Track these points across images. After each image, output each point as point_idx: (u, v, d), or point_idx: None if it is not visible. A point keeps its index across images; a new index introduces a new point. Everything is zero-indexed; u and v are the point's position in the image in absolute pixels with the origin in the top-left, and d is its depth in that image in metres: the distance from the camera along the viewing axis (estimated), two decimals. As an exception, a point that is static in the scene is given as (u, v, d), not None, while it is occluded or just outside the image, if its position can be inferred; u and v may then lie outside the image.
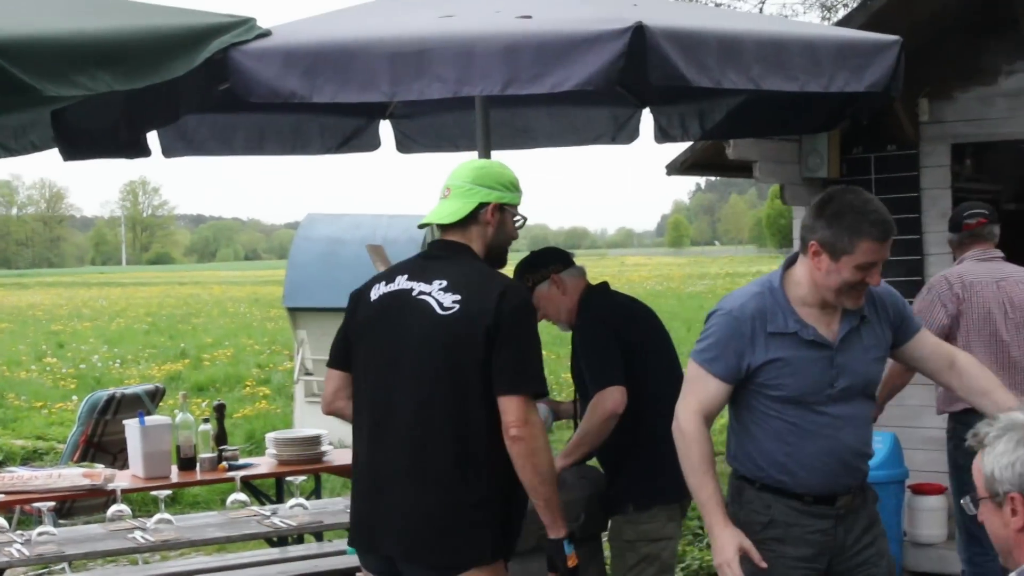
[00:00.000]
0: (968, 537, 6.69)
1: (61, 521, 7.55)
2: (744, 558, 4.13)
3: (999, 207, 10.00)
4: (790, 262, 4.38)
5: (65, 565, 7.52)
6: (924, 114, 8.25)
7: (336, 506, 6.39)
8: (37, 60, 4.01)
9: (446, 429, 4.15)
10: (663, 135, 7.16)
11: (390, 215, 15.19)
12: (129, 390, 8.68)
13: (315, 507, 6.31)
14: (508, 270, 4.79)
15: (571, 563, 4.27)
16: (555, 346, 17.40)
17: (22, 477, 6.46)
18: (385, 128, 7.44)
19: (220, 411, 7.15)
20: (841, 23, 8.46)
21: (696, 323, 29.84)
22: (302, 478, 6.45)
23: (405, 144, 7.55)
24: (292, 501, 6.20)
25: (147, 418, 6.74)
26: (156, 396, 8.75)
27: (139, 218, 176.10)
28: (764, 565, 4.14)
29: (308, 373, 14.25)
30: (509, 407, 4.09)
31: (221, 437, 6.96)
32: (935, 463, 7.06)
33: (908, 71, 5.39)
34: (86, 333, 32.21)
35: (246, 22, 4.73)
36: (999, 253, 6.70)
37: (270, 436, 7.20)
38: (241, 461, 6.95)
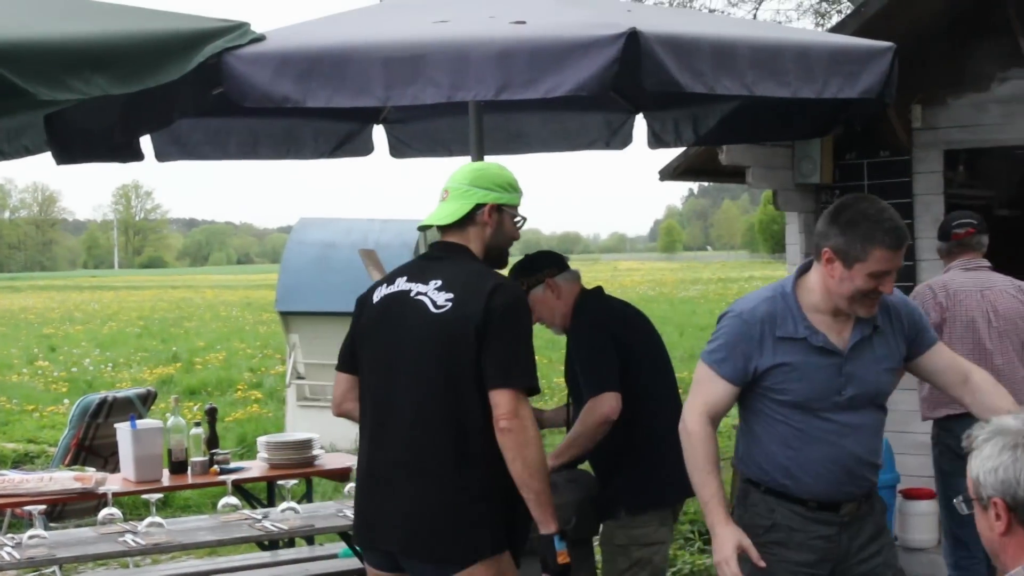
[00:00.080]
0: (954, 541, 6.72)
1: (52, 524, 7.55)
2: (745, 559, 4.14)
3: (992, 213, 10.04)
4: (804, 268, 4.38)
5: (56, 568, 7.50)
6: (917, 120, 8.26)
7: (327, 510, 6.38)
8: (31, 64, 4.01)
9: (443, 426, 4.21)
10: (656, 140, 7.17)
11: (383, 220, 15.19)
12: (121, 393, 8.67)
13: (306, 511, 6.30)
14: (505, 272, 4.80)
15: (561, 560, 4.27)
16: (547, 350, 17.42)
17: (13, 480, 6.45)
18: (378, 133, 7.45)
19: (212, 415, 7.14)
20: (835, 29, 8.48)
21: (688, 328, 29.89)
22: (293, 482, 6.43)
23: (398, 149, 7.55)
24: (283, 505, 6.18)
25: (138, 422, 6.72)
26: (148, 400, 8.73)
27: (131, 222, 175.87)
28: (763, 564, 4.15)
29: (300, 377, 14.23)
30: (499, 400, 4.13)
31: (213, 441, 6.95)
32: (926, 468, 7.07)
33: (901, 77, 5.40)
34: (78, 336, 32.16)
35: (240, 27, 4.73)
36: (986, 263, 6.74)
37: (261, 440, 7.19)
38: (232, 465, 6.93)
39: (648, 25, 4.61)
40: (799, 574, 4.35)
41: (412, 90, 4.61)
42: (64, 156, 5.38)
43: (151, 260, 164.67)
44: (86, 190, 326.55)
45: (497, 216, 4.45)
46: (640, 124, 7.25)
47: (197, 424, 6.83)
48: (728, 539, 4.16)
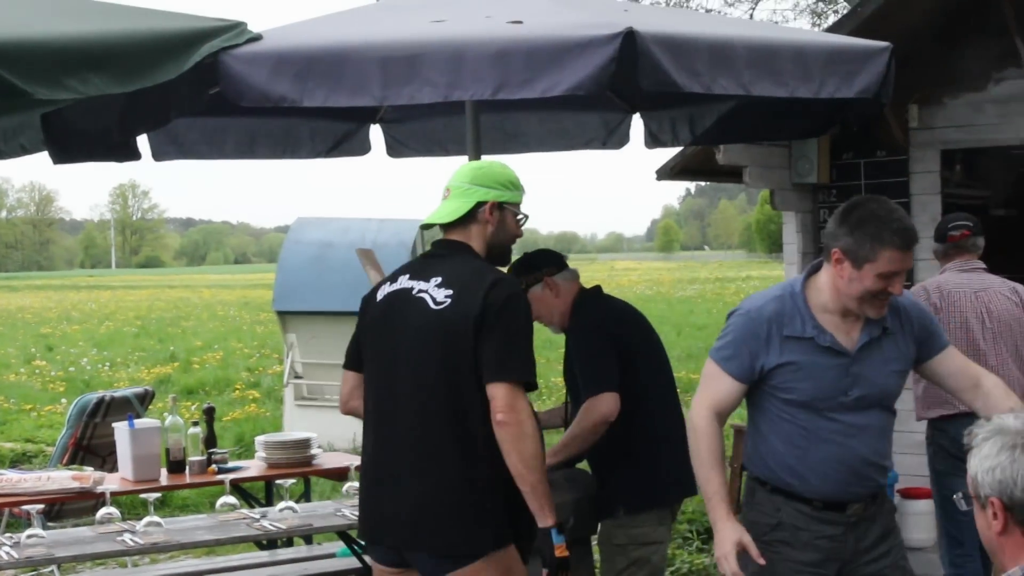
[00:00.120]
0: (949, 540, 6.73)
1: (50, 524, 7.55)
2: (750, 558, 4.17)
3: (988, 213, 10.05)
4: (814, 269, 4.40)
5: (54, 568, 7.50)
6: (914, 120, 8.27)
7: (325, 509, 6.39)
8: (28, 63, 4.01)
9: (445, 421, 4.25)
10: (653, 140, 7.18)
11: (380, 219, 15.20)
12: (118, 393, 8.67)
13: (304, 510, 6.30)
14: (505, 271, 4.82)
15: (559, 553, 4.27)
16: (544, 350, 17.41)
17: (11, 480, 6.45)
18: (375, 132, 7.45)
19: (210, 414, 7.14)
20: (831, 29, 8.49)
21: (686, 327, 29.90)
22: (291, 481, 6.44)
23: (395, 148, 7.55)
24: (281, 504, 6.19)
25: (136, 421, 6.72)
26: (145, 399, 8.74)
27: (129, 221, 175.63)
28: (762, 562, 4.18)
29: (298, 376, 14.23)
30: (496, 393, 4.16)
31: (211, 440, 6.95)
32: (924, 467, 7.08)
33: (898, 77, 5.40)
34: (75, 336, 32.16)
35: (237, 26, 4.73)
36: (981, 264, 6.76)
37: (259, 439, 7.19)
38: (230, 464, 6.94)
39: (645, 25, 4.62)
40: (804, 573, 4.36)
41: (409, 89, 4.61)
42: (61, 155, 5.39)
43: (148, 260, 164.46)
44: (83, 190, 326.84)
45: (499, 214, 4.48)
46: (637, 124, 7.25)
47: (195, 423, 6.84)
48: (728, 535, 4.19)
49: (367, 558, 6.36)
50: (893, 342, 4.37)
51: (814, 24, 19.74)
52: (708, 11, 17.79)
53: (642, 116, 7.18)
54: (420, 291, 4.36)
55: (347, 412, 4.79)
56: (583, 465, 5.47)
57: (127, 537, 5.70)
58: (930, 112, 8.22)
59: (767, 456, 4.41)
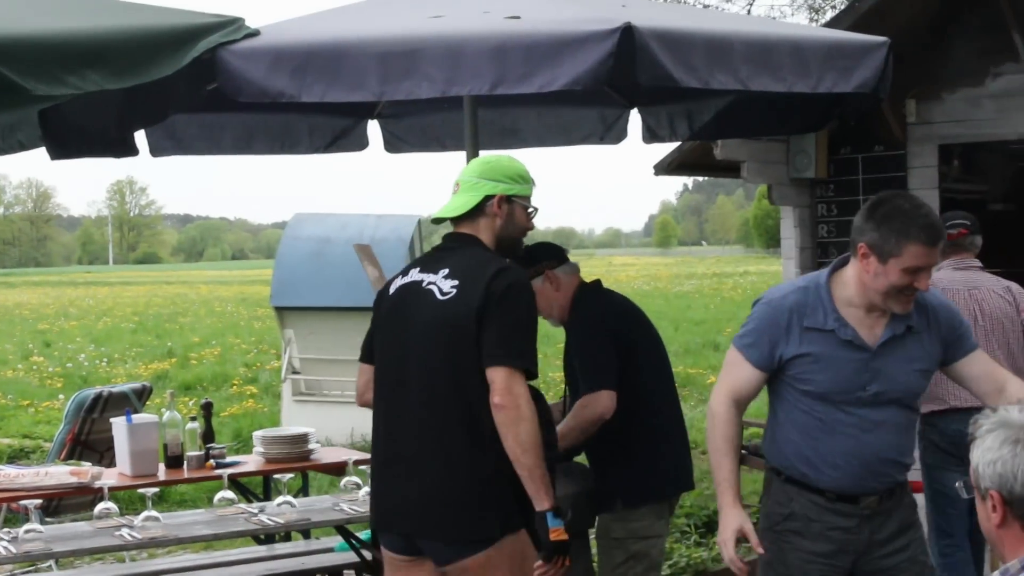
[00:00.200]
0: (939, 532, 6.75)
1: (48, 519, 7.53)
2: (765, 545, 4.25)
3: (986, 208, 10.05)
4: (841, 263, 4.40)
5: (52, 563, 7.50)
6: (911, 115, 8.27)
7: (323, 504, 6.38)
8: (26, 59, 4.02)
9: (452, 410, 4.29)
10: (651, 135, 7.18)
11: (378, 215, 15.18)
12: (116, 388, 8.67)
13: (302, 505, 6.30)
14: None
15: (554, 537, 4.25)
16: (542, 345, 17.38)
17: (9, 475, 6.44)
18: (373, 128, 7.45)
19: (207, 409, 7.13)
20: (829, 24, 8.49)
21: (684, 323, 29.92)
22: (289, 476, 6.44)
23: (393, 144, 7.55)
24: (279, 499, 6.18)
25: (134, 416, 6.72)
26: (143, 394, 8.73)
27: (126, 218, 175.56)
28: (760, 551, 4.23)
29: (295, 372, 14.23)
30: (494, 377, 4.19)
31: (208, 435, 6.95)
32: (916, 461, 7.08)
33: (895, 72, 5.41)
34: (73, 332, 32.14)
35: (234, 22, 4.74)
36: (976, 263, 6.76)
37: (257, 434, 7.19)
38: (228, 459, 6.93)
39: (643, 20, 4.62)
40: (815, 563, 4.39)
41: (407, 85, 4.62)
42: (59, 151, 5.38)
43: (146, 256, 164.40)
44: (80, 186, 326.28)
45: (507, 207, 4.51)
46: (635, 119, 7.26)
47: (193, 419, 6.83)
48: (731, 522, 4.25)
49: (365, 551, 6.38)
50: (917, 341, 4.37)
51: (812, 19, 19.72)
52: (706, 6, 17.77)
53: (640, 111, 7.19)
54: (429, 283, 4.41)
55: (363, 404, 4.81)
56: (580, 458, 5.47)
57: (125, 532, 5.70)
58: (928, 107, 8.23)
59: (784, 445, 4.45)
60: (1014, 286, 6.64)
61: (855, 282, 4.29)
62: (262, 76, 4.65)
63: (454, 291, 4.32)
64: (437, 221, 4.68)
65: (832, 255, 8.47)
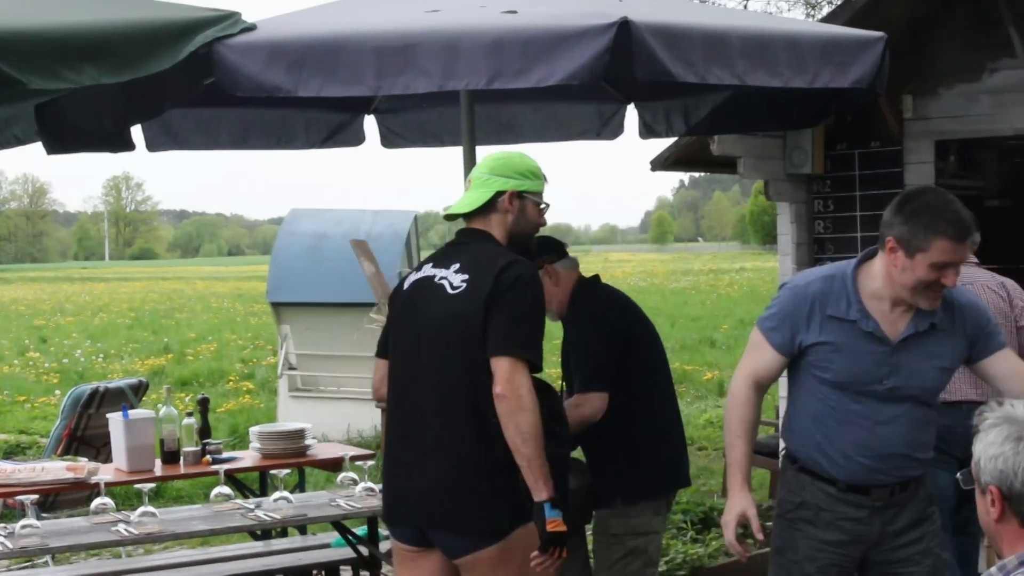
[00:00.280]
0: None
1: (44, 514, 7.53)
2: (776, 533, 4.38)
3: (982, 203, 10.05)
4: (869, 255, 4.40)
5: (48, 558, 7.49)
6: (908, 110, 8.26)
7: (319, 499, 6.38)
8: (22, 53, 4.01)
9: (462, 402, 4.34)
10: (648, 131, 7.17)
11: (374, 210, 15.18)
12: (112, 384, 8.67)
13: (299, 500, 6.30)
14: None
15: (551, 527, 4.26)
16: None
17: (5, 470, 6.44)
18: (370, 123, 7.45)
19: (204, 405, 7.13)
20: (826, 20, 8.48)
21: (680, 319, 29.94)
22: (286, 471, 6.43)
23: (389, 139, 7.55)
24: (276, 494, 6.18)
25: (131, 412, 6.72)
26: (140, 390, 8.73)
27: (122, 213, 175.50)
28: (760, 537, 4.28)
29: (292, 368, 14.23)
30: (497, 366, 4.23)
31: (205, 431, 6.94)
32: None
33: (892, 67, 5.41)
34: (69, 328, 32.14)
35: (231, 16, 4.73)
36: (973, 259, 6.74)
37: (254, 430, 7.18)
38: (225, 455, 6.93)
39: (640, 15, 4.62)
40: (825, 551, 4.43)
41: (403, 79, 4.62)
42: (55, 146, 5.37)
43: (142, 252, 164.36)
44: (76, 182, 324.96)
45: (519, 203, 4.56)
46: (631, 114, 7.26)
47: (189, 414, 6.83)
48: (735, 506, 4.32)
49: (361, 546, 6.38)
50: (941, 339, 4.36)
51: (808, 14, 19.72)
52: (703, 1, 17.77)
53: (636, 107, 7.18)
54: (441, 278, 4.46)
55: (379, 399, 4.86)
56: (577, 453, 5.47)
57: (121, 527, 5.69)
58: (924, 102, 8.22)
59: (799, 432, 4.49)
60: (1009, 282, 6.63)
61: (882, 275, 4.30)
62: (259, 71, 4.65)
63: (464, 285, 4.37)
64: (449, 217, 4.73)
65: (829, 251, 8.47)
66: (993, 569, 2.89)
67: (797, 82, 5.12)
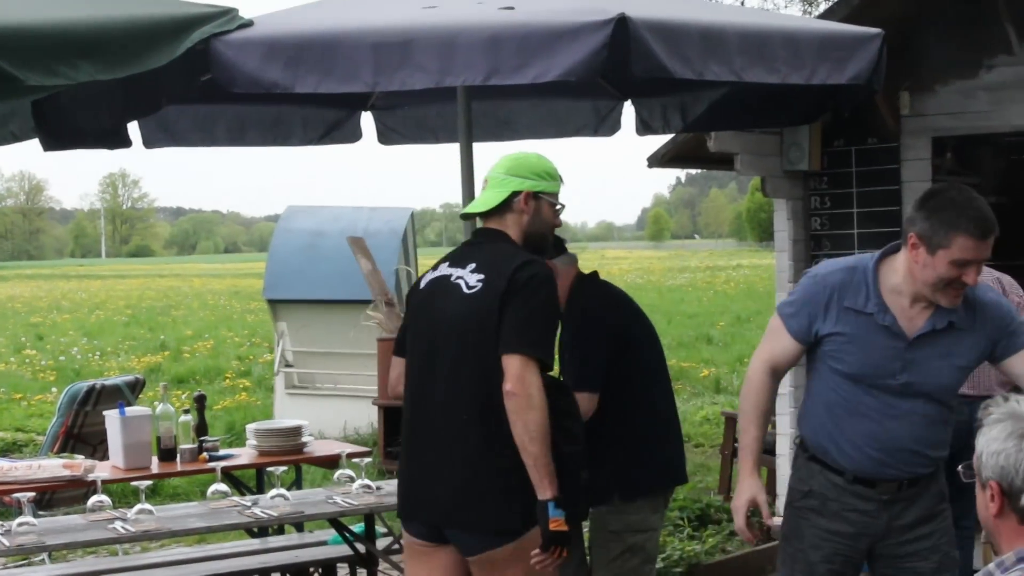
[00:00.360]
0: None
1: (41, 512, 7.54)
2: (785, 521, 4.42)
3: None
4: (892, 249, 4.41)
5: (45, 556, 7.48)
6: (905, 107, 8.25)
7: (316, 497, 6.38)
8: (19, 50, 4.00)
9: (477, 401, 4.36)
10: (645, 127, 7.17)
11: (371, 207, 15.18)
12: (109, 381, 8.66)
13: (296, 498, 6.29)
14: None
15: (554, 527, 4.27)
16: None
17: (2, 468, 6.43)
18: (366, 120, 7.44)
19: (200, 402, 7.13)
20: (823, 16, 8.47)
21: (677, 316, 29.95)
22: (283, 469, 6.43)
23: (386, 136, 7.54)
24: (273, 492, 6.18)
25: (127, 409, 6.71)
26: (136, 387, 8.72)
27: (119, 211, 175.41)
28: (770, 523, 4.38)
29: (288, 365, 14.23)
30: (507, 364, 4.25)
31: (201, 428, 6.94)
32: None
33: (889, 64, 5.41)
34: (65, 325, 32.13)
35: (228, 12, 4.73)
36: None
37: (251, 427, 7.18)
38: (221, 452, 6.93)
39: (637, 11, 4.61)
40: (830, 541, 4.45)
41: (400, 75, 4.62)
42: (52, 142, 5.36)
43: (138, 249, 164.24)
44: (73, 179, 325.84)
45: (534, 203, 4.59)
46: (628, 111, 7.25)
47: (186, 411, 6.82)
48: (744, 491, 4.39)
49: (358, 544, 6.37)
50: (959, 337, 4.36)
51: (806, 11, 19.74)
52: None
53: (633, 103, 7.18)
54: (457, 277, 4.49)
55: (395, 397, 4.89)
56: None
57: (118, 525, 5.69)
58: (921, 99, 8.21)
59: (811, 420, 4.52)
60: (1005, 278, 6.63)
61: (904, 270, 4.30)
62: (256, 67, 4.65)
63: (480, 285, 4.40)
64: (466, 217, 4.81)
65: (825, 247, 8.47)
66: (991, 566, 2.90)
67: (794, 78, 5.12)
